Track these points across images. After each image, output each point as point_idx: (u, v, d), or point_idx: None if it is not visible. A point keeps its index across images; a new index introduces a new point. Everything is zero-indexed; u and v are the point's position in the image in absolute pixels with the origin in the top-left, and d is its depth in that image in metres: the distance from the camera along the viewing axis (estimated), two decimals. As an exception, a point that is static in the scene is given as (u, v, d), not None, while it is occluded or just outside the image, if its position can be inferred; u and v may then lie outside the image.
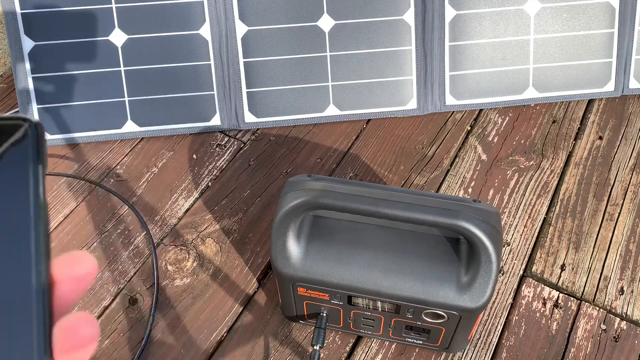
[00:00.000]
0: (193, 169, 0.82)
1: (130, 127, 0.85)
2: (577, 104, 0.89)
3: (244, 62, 0.84)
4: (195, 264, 0.72)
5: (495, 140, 0.85)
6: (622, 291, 0.70)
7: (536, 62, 0.87)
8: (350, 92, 0.86)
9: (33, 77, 0.82)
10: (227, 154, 0.84)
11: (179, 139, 0.86)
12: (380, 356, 0.65)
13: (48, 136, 0.84)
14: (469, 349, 0.65)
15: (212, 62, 0.84)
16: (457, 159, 0.83)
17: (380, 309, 0.59)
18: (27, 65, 0.81)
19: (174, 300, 0.69)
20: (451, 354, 0.65)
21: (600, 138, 0.85)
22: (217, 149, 0.85)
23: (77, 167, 0.83)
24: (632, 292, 0.69)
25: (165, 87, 0.84)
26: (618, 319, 0.67)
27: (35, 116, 0.83)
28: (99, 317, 0.68)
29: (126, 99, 0.84)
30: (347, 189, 0.53)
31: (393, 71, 0.86)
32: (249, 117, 0.86)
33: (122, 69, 0.83)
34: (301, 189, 0.54)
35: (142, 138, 0.86)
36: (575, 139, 0.85)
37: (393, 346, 0.65)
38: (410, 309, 0.57)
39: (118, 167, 0.83)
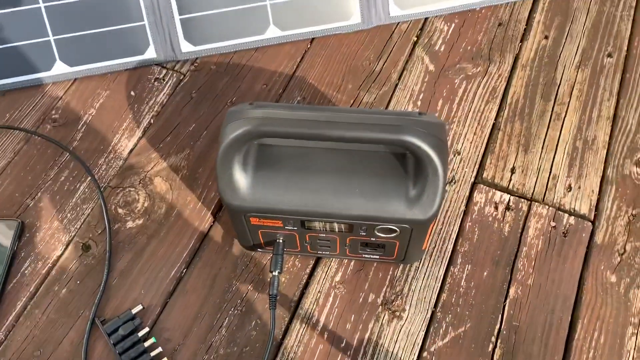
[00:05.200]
0: (133, 107, 0.79)
1: (60, 68, 0.80)
2: (522, 4, 0.87)
3: (173, -14, 0.79)
4: (146, 204, 0.71)
5: (442, 49, 0.83)
6: (570, 188, 0.71)
7: (479, -37, 0.84)
8: (291, 10, 0.82)
9: (-57, 22, 0.75)
10: (166, 87, 0.80)
11: (114, 77, 0.81)
12: (340, 274, 0.66)
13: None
14: (425, 259, 0.67)
15: (138, -11, 0.78)
16: (404, 72, 0.81)
17: (334, 229, 0.59)
18: None
19: (128, 242, 0.68)
20: (408, 265, 0.66)
21: (546, 37, 0.84)
22: (156, 83, 0.81)
23: (9, 117, 0.78)
24: (579, 187, 0.71)
25: (92, 22, 0.78)
26: (567, 215, 0.69)
27: None
28: (52, 267, 0.67)
29: (51, 38, 0.78)
30: (290, 114, 0.51)
31: (332, -16, 0.82)
32: (186, 46, 0.82)
33: (42, 5, 0.77)
34: (242, 118, 0.52)
35: (75, 79, 0.81)
36: (521, 41, 0.84)
37: (352, 263, 0.67)
38: (363, 227, 0.57)
39: (53, 111, 0.78)
